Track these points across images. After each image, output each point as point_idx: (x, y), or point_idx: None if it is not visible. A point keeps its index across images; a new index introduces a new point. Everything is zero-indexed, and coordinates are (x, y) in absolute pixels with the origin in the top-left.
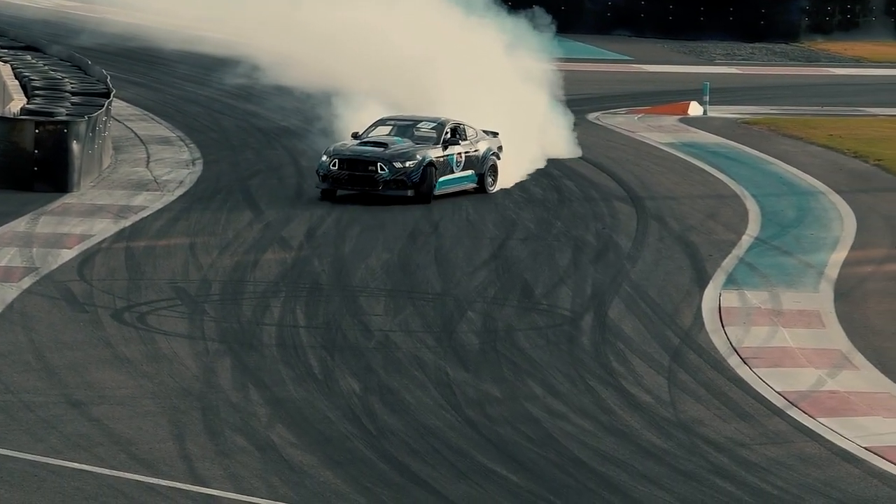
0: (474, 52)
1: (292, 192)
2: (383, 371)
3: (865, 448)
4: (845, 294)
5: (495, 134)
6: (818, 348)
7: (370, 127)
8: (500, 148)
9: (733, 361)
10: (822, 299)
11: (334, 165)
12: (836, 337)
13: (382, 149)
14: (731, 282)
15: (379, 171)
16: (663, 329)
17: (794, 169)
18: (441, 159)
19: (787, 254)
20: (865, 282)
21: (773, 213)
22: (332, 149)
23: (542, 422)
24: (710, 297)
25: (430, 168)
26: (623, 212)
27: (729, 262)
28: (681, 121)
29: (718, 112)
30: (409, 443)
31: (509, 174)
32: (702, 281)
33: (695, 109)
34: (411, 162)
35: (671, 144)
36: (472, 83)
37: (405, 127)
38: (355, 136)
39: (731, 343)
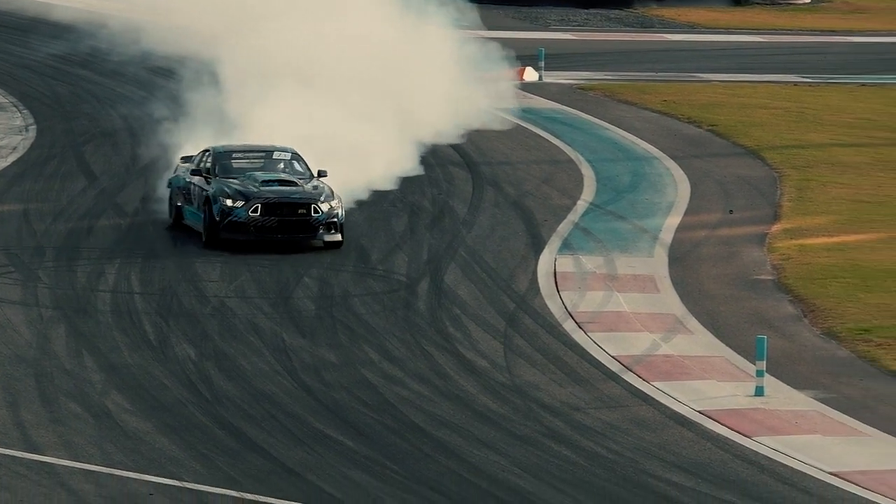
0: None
1: (127, 158)
2: (219, 337)
3: (699, 412)
4: (679, 259)
5: None
6: (653, 313)
7: (220, 159)
8: None
9: (569, 326)
10: (657, 264)
11: (255, 211)
12: (670, 301)
13: (300, 187)
14: (566, 247)
15: (313, 213)
16: (499, 294)
17: (629, 134)
18: None
19: (621, 219)
20: (699, 246)
21: (608, 178)
22: (232, 191)
23: (379, 387)
24: (546, 262)
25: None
26: (459, 177)
27: (564, 228)
28: (516, 87)
29: (554, 78)
30: (245, 409)
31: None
32: (537, 246)
33: (530, 75)
34: (336, 201)
35: (507, 110)
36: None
37: (260, 158)
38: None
39: (566, 308)
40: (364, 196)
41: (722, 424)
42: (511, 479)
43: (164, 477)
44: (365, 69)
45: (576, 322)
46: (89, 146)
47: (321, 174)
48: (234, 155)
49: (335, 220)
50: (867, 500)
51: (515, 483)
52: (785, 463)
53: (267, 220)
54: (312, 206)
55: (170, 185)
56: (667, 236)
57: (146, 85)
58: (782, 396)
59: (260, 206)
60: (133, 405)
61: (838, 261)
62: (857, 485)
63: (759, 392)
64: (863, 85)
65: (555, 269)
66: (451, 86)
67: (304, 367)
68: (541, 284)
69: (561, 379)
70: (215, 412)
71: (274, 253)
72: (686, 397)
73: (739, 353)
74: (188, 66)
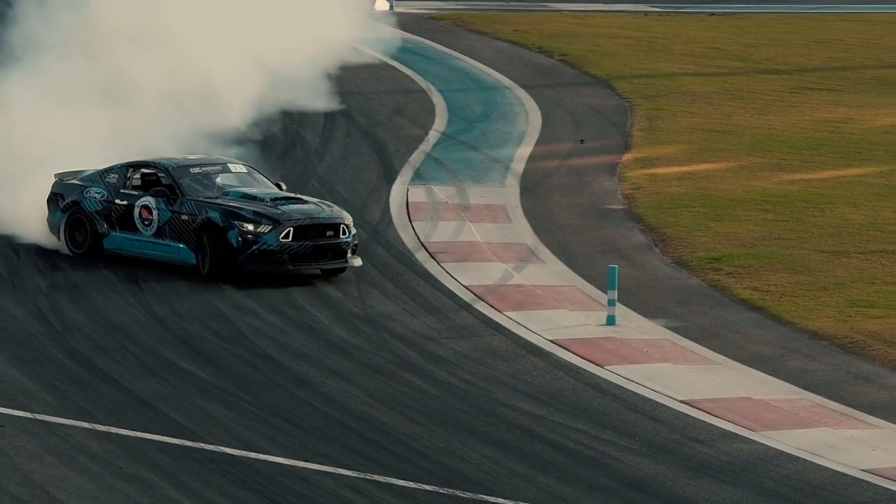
0: None
1: None
2: (70, 269)
3: (551, 341)
4: (531, 188)
5: None
6: (505, 242)
7: (180, 176)
8: None
9: (421, 256)
10: (509, 194)
11: (287, 236)
12: (522, 231)
13: (316, 205)
14: (418, 177)
15: (341, 235)
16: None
17: (481, 64)
18: None
19: (473, 149)
20: (551, 176)
21: (460, 108)
22: (249, 213)
23: (231, 318)
24: (398, 192)
25: None
26: (310, 107)
27: (416, 158)
28: (367, 16)
29: (405, 7)
30: (97, 340)
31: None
32: (389, 176)
33: (381, 5)
34: (351, 221)
35: (358, 40)
36: None
37: (217, 171)
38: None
39: (418, 238)
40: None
41: (574, 353)
42: (364, 409)
43: (16, 409)
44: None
45: (428, 252)
46: None
47: (279, 188)
48: (191, 170)
49: (356, 242)
50: (717, 427)
51: (368, 413)
52: (636, 391)
53: (301, 247)
54: (341, 226)
55: (70, 208)
56: (518, 166)
57: None
58: (634, 325)
59: (291, 230)
60: None
61: (689, 190)
62: (707, 412)
63: (611, 321)
64: (712, 14)
65: (407, 200)
66: (301, 16)
67: (155, 298)
68: (393, 215)
69: (413, 309)
70: (67, 343)
71: None
72: (538, 327)
73: (591, 283)
74: None
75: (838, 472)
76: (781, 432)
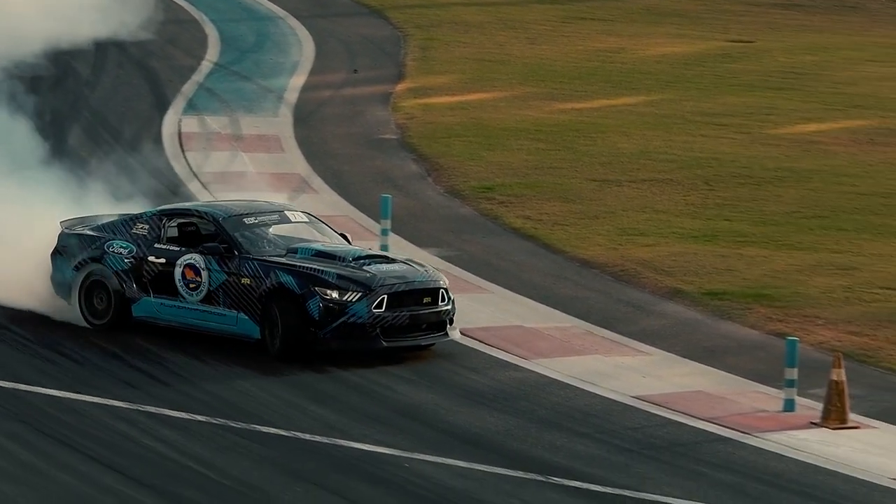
0: None
1: None
2: None
3: None
4: (304, 118)
5: None
6: (278, 172)
7: (235, 228)
8: None
9: (194, 187)
10: (282, 124)
11: (380, 306)
12: (295, 161)
13: (407, 265)
14: (191, 107)
15: (440, 302)
16: (125, 157)
17: None
18: None
19: (246, 79)
20: (324, 106)
21: (233, 38)
22: (333, 276)
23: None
24: (171, 122)
25: None
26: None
27: (189, 88)
28: None
29: None
30: None
31: None
32: (162, 107)
33: None
34: (448, 284)
35: None
36: None
37: (274, 220)
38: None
39: (191, 168)
40: None
41: None
42: (136, 340)
43: None
44: None
45: (201, 182)
46: None
47: (346, 240)
48: (245, 220)
49: (455, 310)
50: (490, 355)
51: (140, 344)
52: None
53: (396, 317)
54: (441, 291)
55: (85, 265)
56: (292, 96)
57: None
58: (406, 254)
59: (385, 297)
60: None
61: (461, 120)
62: (479, 341)
63: (384, 250)
64: None
65: (179, 130)
66: None
67: None
68: (165, 145)
69: None
70: None
71: None
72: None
73: (364, 212)
74: None
75: (609, 398)
76: (553, 360)
